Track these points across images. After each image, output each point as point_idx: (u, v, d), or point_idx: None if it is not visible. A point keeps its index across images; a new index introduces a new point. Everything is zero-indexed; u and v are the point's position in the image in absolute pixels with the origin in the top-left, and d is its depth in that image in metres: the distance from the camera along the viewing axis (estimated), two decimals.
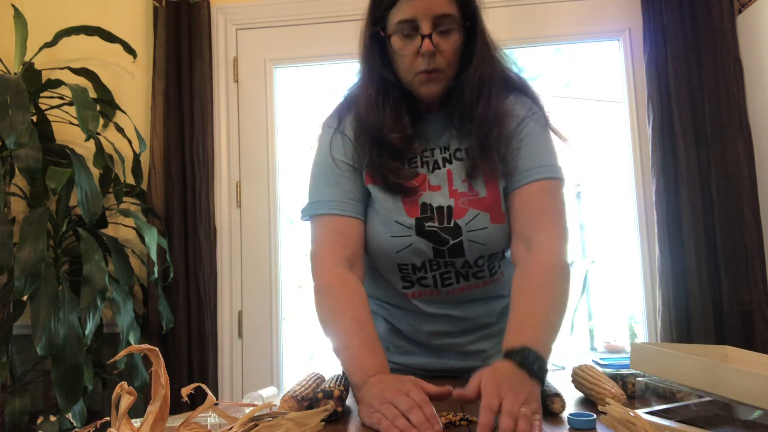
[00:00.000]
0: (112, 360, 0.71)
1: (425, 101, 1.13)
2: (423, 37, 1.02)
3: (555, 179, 1.09)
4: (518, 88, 1.15)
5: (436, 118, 1.15)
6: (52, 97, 2.27)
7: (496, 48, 1.13)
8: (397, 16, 1.04)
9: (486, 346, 1.19)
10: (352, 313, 1.02)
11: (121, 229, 2.37)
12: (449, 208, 1.09)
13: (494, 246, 1.10)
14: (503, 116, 1.09)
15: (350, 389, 0.96)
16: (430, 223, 1.09)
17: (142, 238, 2.13)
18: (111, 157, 2.32)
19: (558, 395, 0.85)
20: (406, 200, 1.09)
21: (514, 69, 1.17)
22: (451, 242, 1.08)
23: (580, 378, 0.93)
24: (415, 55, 1.04)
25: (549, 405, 0.85)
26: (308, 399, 0.89)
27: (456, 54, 1.07)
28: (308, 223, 1.14)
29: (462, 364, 1.18)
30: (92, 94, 2.22)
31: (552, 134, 1.14)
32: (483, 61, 1.08)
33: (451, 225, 1.08)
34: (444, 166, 1.12)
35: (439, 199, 1.10)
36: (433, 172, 1.12)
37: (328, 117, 1.19)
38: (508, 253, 1.14)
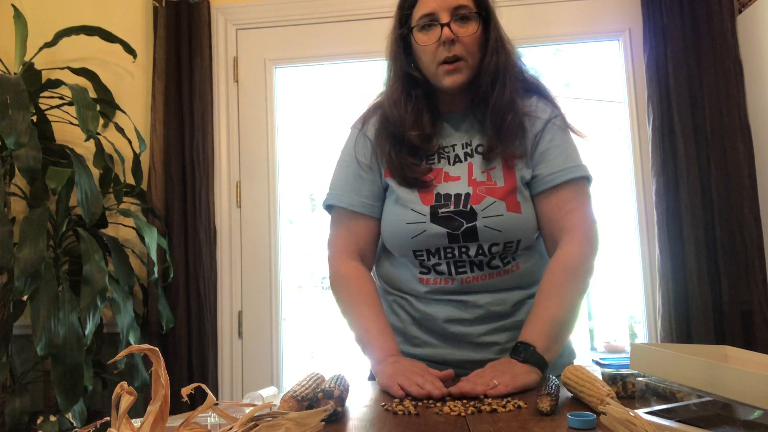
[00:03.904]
0: (112, 360, 0.71)
1: (447, 99, 1.22)
2: (442, 26, 1.12)
3: (583, 178, 1.19)
4: (536, 89, 1.24)
5: (459, 117, 1.23)
6: (52, 97, 2.27)
7: (510, 43, 1.21)
8: (418, 12, 1.15)
9: (500, 339, 1.20)
10: (367, 301, 1.19)
11: (121, 229, 2.37)
12: (467, 195, 1.16)
13: (509, 234, 1.15)
14: (518, 105, 1.17)
15: (349, 389, 0.97)
16: (444, 209, 1.15)
17: (142, 238, 2.13)
18: (111, 157, 2.32)
19: (549, 395, 0.85)
20: (422, 191, 1.18)
21: (530, 71, 1.26)
22: (465, 226, 1.14)
23: (569, 380, 0.93)
24: (437, 46, 1.14)
25: (537, 403, 0.85)
26: (308, 399, 0.89)
27: (475, 43, 1.16)
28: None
29: (476, 356, 1.20)
30: (92, 94, 2.22)
31: (572, 134, 1.23)
32: (497, 49, 1.17)
33: (467, 209, 1.15)
34: (465, 159, 1.20)
35: (457, 187, 1.17)
36: (453, 165, 1.19)
37: (356, 120, 1.31)
38: (524, 246, 1.19)
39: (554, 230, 1.18)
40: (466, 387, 0.97)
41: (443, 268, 1.18)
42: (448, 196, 1.16)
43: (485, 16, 1.17)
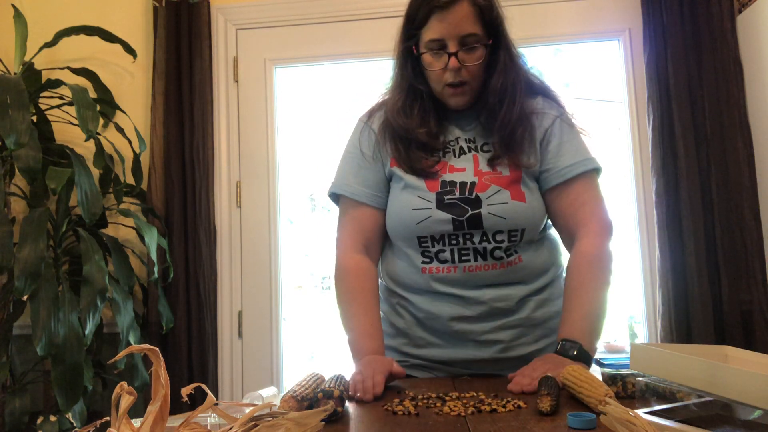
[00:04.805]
0: (112, 360, 0.71)
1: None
2: (450, 55, 1.15)
3: (594, 170, 1.23)
4: (542, 91, 1.27)
5: (464, 116, 1.26)
6: (52, 97, 2.27)
7: (519, 56, 1.25)
8: (427, 35, 1.17)
9: (504, 337, 1.21)
10: (361, 299, 1.23)
11: (121, 229, 2.37)
12: (473, 183, 1.19)
13: (514, 222, 1.17)
14: (528, 117, 1.21)
15: (350, 389, 0.97)
16: (450, 196, 1.18)
17: (142, 238, 2.13)
18: (111, 157, 2.32)
19: (549, 395, 0.85)
20: (428, 180, 1.21)
21: (537, 74, 1.30)
22: (470, 212, 1.16)
23: (568, 380, 0.93)
24: (444, 70, 1.17)
25: (538, 403, 0.85)
26: (308, 399, 0.89)
27: (480, 67, 1.19)
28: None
29: (479, 354, 1.21)
30: (92, 94, 2.22)
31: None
32: (505, 70, 1.20)
33: (472, 197, 1.17)
34: (470, 152, 1.23)
35: (463, 177, 1.20)
36: (459, 157, 1.22)
37: (363, 113, 1.34)
38: (528, 237, 1.20)
39: (570, 223, 1.22)
40: (525, 382, 0.99)
41: (447, 255, 1.19)
42: (453, 183, 1.19)
43: (495, 36, 1.19)
